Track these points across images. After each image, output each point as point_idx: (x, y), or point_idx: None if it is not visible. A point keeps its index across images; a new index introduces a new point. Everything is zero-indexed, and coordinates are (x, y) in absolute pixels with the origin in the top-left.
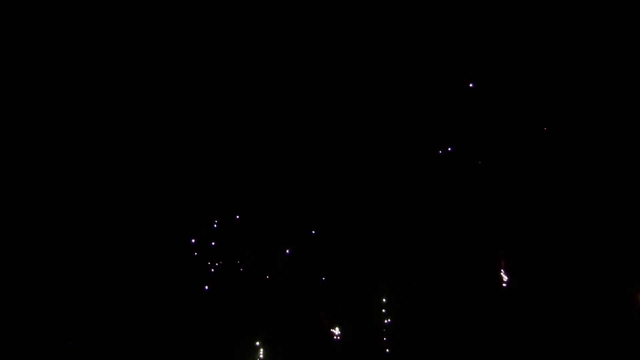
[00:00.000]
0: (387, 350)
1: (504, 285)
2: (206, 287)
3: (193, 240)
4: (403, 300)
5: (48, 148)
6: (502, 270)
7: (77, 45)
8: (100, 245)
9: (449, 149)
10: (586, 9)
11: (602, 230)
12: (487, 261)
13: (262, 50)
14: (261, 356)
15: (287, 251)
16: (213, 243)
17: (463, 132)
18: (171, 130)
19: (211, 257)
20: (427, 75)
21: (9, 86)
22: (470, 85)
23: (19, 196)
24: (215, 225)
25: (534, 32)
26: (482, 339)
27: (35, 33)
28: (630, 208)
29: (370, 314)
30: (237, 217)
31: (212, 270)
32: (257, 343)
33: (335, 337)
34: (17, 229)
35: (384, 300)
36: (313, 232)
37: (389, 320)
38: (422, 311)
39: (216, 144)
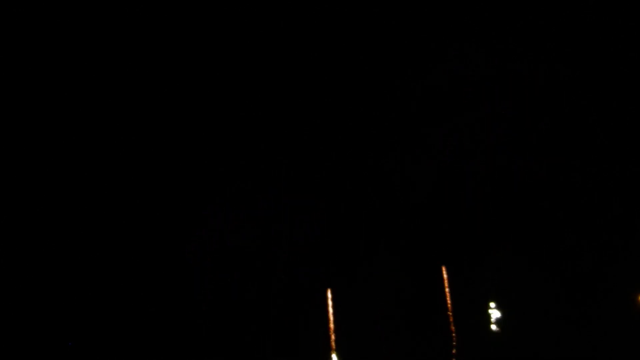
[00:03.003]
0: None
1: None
2: (206, 289)
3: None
4: (403, 300)
5: (47, 149)
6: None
7: (76, 47)
8: (100, 246)
9: (449, 149)
10: (586, 9)
11: (602, 230)
12: (487, 260)
13: (263, 51)
14: None
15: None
16: (213, 243)
17: (463, 132)
18: (171, 131)
19: (211, 257)
20: (427, 75)
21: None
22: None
23: (18, 198)
24: (215, 225)
25: (534, 32)
26: (478, 339)
27: (34, 33)
28: (630, 208)
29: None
30: (237, 217)
31: (213, 271)
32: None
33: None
34: (17, 230)
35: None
36: (313, 232)
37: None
38: (421, 311)
39: (216, 144)
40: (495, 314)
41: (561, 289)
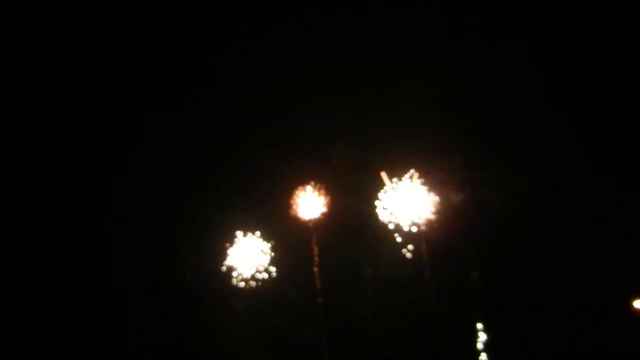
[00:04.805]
0: None
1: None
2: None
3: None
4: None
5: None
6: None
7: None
8: (100, 248)
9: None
10: (586, 9)
11: (601, 230)
12: (488, 258)
13: (259, 54)
14: None
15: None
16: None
17: (465, 134)
18: (160, 133)
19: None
20: (426, 76)
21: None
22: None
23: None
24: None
25: (534, 32)
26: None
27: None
28: (630, 208)
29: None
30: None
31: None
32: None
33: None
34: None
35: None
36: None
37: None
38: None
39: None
40: (482, 336)
41: (559, 289)
